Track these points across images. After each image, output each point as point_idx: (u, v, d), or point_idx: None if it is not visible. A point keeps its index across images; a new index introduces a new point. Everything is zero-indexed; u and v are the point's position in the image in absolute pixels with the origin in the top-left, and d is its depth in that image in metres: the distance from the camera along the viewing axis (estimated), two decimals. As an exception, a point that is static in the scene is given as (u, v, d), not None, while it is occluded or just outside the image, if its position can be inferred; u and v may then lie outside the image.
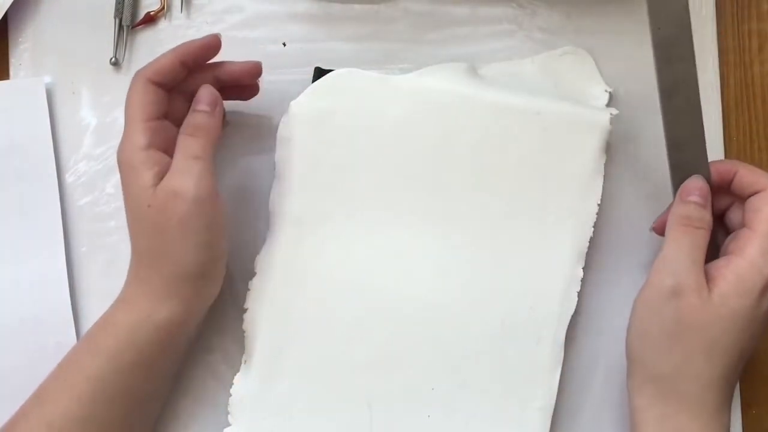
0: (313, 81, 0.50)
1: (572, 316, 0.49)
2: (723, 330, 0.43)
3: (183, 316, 0.45)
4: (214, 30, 0.53)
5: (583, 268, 0.50)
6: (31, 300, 0.50)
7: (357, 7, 0.53)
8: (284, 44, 0.53)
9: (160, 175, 0.44)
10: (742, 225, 0.45)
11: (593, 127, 0.49)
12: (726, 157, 0.53)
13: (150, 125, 0.45)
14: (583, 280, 0.50)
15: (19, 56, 0.53)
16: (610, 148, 0.50)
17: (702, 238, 0.44)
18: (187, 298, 0.45)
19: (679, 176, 0.46)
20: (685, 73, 0.39)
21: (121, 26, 0.52)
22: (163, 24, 0.53)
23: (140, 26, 0.53)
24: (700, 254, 0.44)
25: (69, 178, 0.52)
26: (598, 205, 0.50)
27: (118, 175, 0.51)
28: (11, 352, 0.50)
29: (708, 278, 0.44)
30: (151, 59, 0.52)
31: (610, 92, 0.52)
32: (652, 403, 0.44)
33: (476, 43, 0.53)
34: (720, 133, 0.53)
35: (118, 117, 0.52)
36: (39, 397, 0.45)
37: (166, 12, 0.53)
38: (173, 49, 0.47)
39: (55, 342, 0.50)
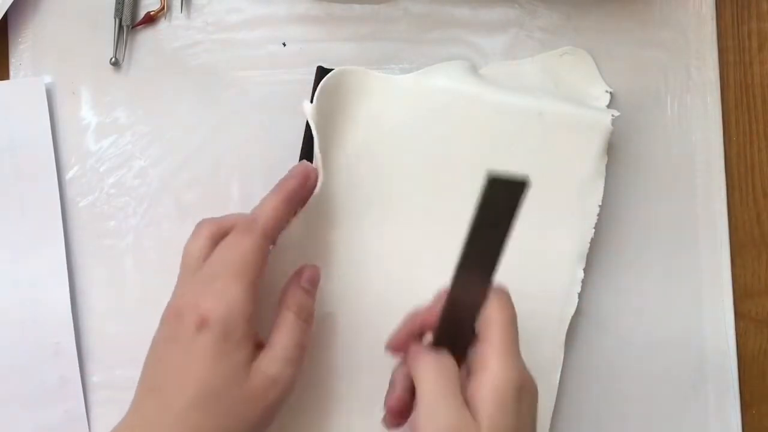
0: (315, 80, 0.50)
1: (572, 316, 0.50)
2: None
3: None
4: (214, 30, 0.53)
5: (583, 269, 0.50)
6: (31, 300, 0.50)
7: (357, 7, 0.53)
8: (284, 44, 0.53)
9: (255, 351, 0.41)
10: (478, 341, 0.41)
11: (595, 129, 0.49)
12: (726, 158, 0.53)
13: (257, 291, 0.41)
14: (583, 281, 0.50)
15: (19, 56, 0.52)
16: (610, 149, 0.50)
17: (451, 368, 0.40)
18: None
19: (448, 330, 0.41)
20: (494, 250, 0.39)
21: (121, 26, 0.52)
22: (163, 24, 0.53)
23: (140, 26, 0.53)
24: (456, 386, 0.40)
25: (69, 177, 0.52)
26: (599, 206, 0.50)
27: (117, 175, 0.52)
28: (10, 351, 0.50)
29: (468, 403, 0.39)
30: (151, 59, 0.52)
31: (610, 92, 0.52)
32: None
33: (476, 43, 0.53)
34: (720, 133, 0.53)
35: (118, 117, 0.52)
36: None
37: (166, 12, 0.53)
38: (280, 196, 0.44)
39: (54, 342, 0.50)
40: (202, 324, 0.39)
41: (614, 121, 0.50)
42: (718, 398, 0.52)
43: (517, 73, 0.52)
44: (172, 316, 0.41)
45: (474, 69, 0.52)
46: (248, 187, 0.52)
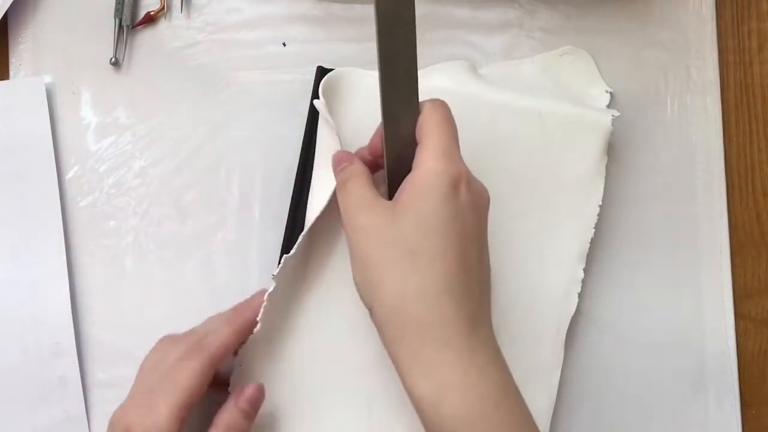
0: (316, 80, 0.50)
1: (572, 316, 0.50)
2: (418, 236, 0.38)
3: None
4: (214, 30, 0.53)
5: (583, 269, 0.50)
6: (31, 300, 0.50)
7: (357, 7, 0.53)
8: (284, 44, 0.53)
9: None
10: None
11: (595, 129, 0.49)
12: (726, 158, 0.53)
13: (189, 414, 0.41)
14: (583, 281, 0.50)
15: (19, 56, 0.52)
16: (610, 149, 0.50)
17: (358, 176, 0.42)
18: None
19: (392, 147, 0.42)
20: (405, 46, 0.39)
21: (121, 26, 0.52)
22: (163, 24, 0.53)
23: (140, 26, 0.53)
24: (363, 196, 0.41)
25: (69, 177, 0.52)
26: (599, 206, 0.50)
27: (117, 175, 0.52)
28: (10, 351, 0.50)
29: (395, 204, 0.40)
30: (150, 59, 0.52)
31: (610, 92, 0.52)
32: (399, 343, 0.39)
33: (476, 43, 0.53)
34: (720, 133, 0.53)
35: (118, 117, 0.52)
36: None
37: (166, 12, 0.53)
38: (234, 327, 0.44)
39: (54, 342, 0.49)
40: (117, 427, 0.40)
41: (614, 121, 0.50)
42: (718, 398, 0.52)
43: (517, 73, 0.52)
44: (110, 423, 0.42)
45: (474, 69, 0.52)
46: (248, 187, 0.52)
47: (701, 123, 0.53)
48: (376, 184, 0.42)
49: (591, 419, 0.51)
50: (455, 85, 0.50)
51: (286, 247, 0.49)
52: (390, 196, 0.42)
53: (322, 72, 0.50)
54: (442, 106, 0.41)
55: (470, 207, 0.40)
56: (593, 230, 0.50)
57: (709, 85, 0.53)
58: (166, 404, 0.40)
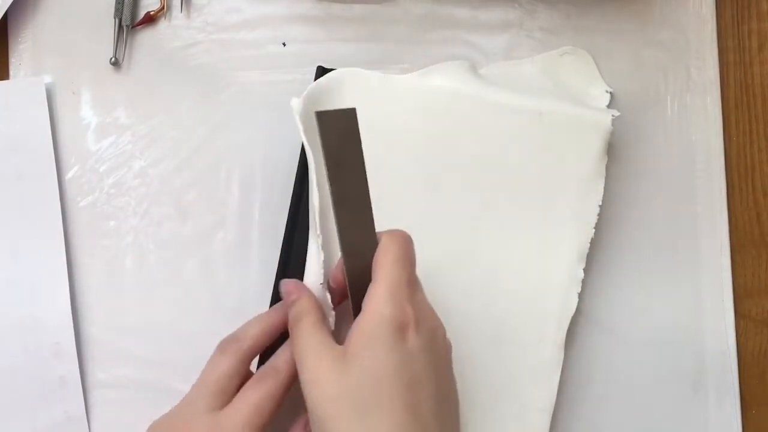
0: (315, 80, 0.50)
1: (572, 316, 0.50)
2: (365, 388, 0.38)
3: None
4: (214, 30, 0.53)
5: (583, 269, 0.50)
6: (31, 300, 0.50)
7: (357, 7, 0.53)
8: (284, 44, 0.53)
9: None
10: None
11: (595, 129, 0.50)
12: (726, 158, 0.53)
13: None
14: (583, 281, 0.50)
15: (19, 56, 0.52)
16: (610, 149, 0.50)
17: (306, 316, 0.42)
18: None
19: (354, 281, 0.41)
20: (356, 183, 0.39)
21: (121, 26, 0.52)
22: (163, 24, 0.53)
23: (140, 26, 0.53)
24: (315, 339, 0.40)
25: (69, 177, 0.52)
26: (599, 205, 0.50)
27: (117, 175, 0.52)
28: (9, 351, 0.50)
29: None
30: (151, 59, 0.52)
31: (610, 92, 0.52)
32: None
33: (476, 43, 0.53)
34: (720, 133, 0.53)
35: (118, 117, 0.52)
36: None
37: (166, 12, 0.53)
38: (258, 323, 0.44)
39: (54, 342, 0.50)
40: None
41: (614, 121, 0.50)
42: (718, 398, 0.52)
43: (517, 73, 0.53)
44: None
45: (474, 69, 0.52)
46: (248, 187, 0.52)
47: (701, 123, 0.53)
48: (342, 319, 0.42)
49: (591, 419, 0.51)
50: (455, 85, 0.50)
51: (285, 248, 0.49)
52: (351, 295, 0.41)
53: (322, 72, 0.50)
54: (398, 240, 0.40)
55: (421, 350, 0.39)
56: (593, 230, 0.50)
57: (709, 85, 0.53)
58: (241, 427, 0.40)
